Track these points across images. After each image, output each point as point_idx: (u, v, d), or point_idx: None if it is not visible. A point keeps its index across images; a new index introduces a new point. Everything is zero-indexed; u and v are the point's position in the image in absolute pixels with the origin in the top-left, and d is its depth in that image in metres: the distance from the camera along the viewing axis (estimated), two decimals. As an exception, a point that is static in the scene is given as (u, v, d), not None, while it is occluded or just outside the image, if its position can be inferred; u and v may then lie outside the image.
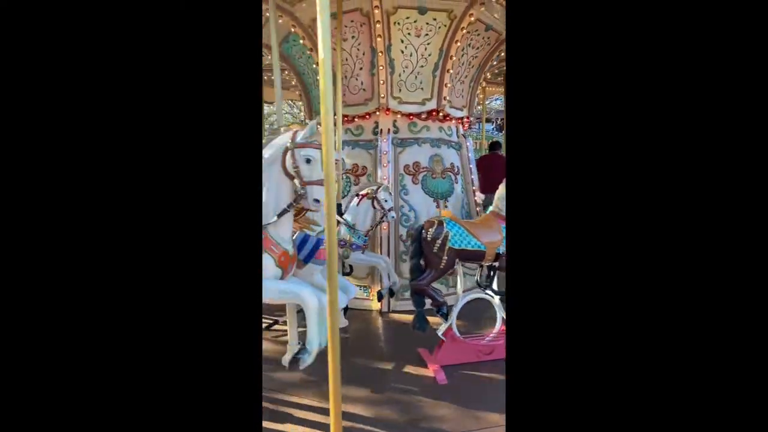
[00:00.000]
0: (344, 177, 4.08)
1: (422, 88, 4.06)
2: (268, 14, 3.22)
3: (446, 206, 4.06)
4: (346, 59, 3.97)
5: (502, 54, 4.67)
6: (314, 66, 4.12)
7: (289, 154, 1.87)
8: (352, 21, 3.74)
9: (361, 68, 4.00)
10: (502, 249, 2.67)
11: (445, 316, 2.68)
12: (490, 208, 2.87)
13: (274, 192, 1.91)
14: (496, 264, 2.74)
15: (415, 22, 3.79)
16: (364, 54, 3.93)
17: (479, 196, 4.55)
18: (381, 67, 3.86)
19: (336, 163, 2.03)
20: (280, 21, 3.84)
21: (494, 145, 6.02)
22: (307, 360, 1.85)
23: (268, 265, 1.87)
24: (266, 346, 2.90)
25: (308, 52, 4.09)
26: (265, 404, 2.09)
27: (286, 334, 2.51)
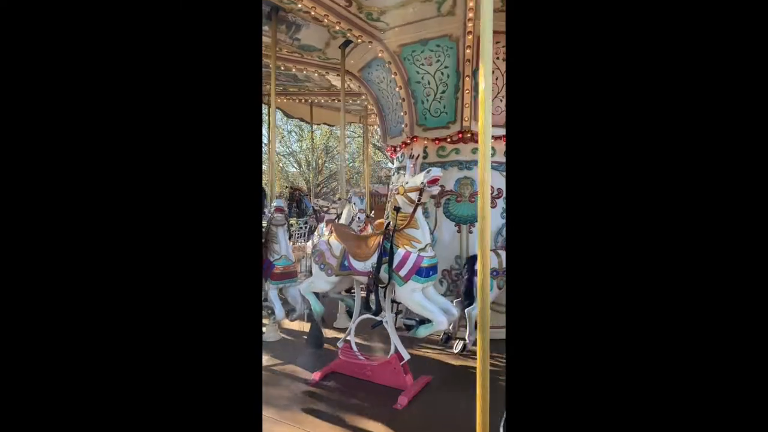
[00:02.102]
0: (476, 198, 3.95)
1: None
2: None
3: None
4: (497, 78, 3.92)
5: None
6: (396, 89, 4.30)
7: None
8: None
9: (510, 90, 3.99)
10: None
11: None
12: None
13: None
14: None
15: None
16: (518, 76, 3.93)
17: None
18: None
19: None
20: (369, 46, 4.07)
21: None
22: None
23: None
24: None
25: (392, 76, 4.19)
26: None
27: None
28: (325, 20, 3.58)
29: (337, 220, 4.21)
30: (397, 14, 3.58)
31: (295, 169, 17.33)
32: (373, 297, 2.74)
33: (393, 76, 4.22)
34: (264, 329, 3.69)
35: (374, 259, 2.69)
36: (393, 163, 5.40)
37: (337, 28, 3.71)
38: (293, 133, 17.02)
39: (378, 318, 2.74)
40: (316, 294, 3.11)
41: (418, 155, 4.41)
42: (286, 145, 17.29)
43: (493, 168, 4.00)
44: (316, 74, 5.10)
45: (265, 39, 4.33)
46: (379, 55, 4.12)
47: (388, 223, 2.77)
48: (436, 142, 4.28)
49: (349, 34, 3.85)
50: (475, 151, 4.22)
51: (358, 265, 2.77)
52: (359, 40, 3.94)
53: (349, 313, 3.12)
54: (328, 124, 8.76)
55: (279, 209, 3.39)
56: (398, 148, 4.79)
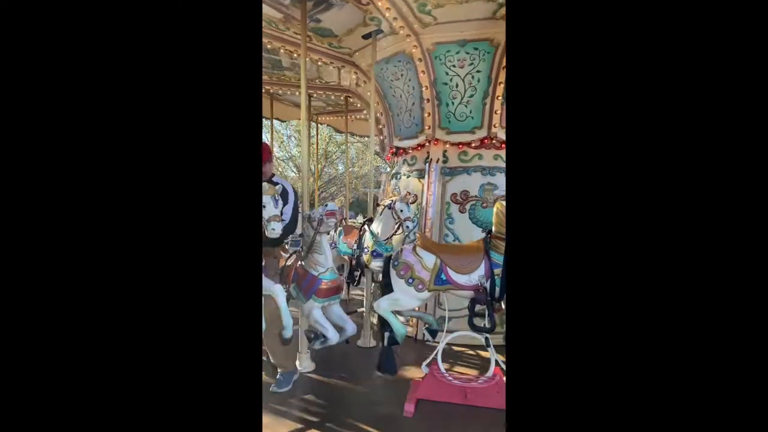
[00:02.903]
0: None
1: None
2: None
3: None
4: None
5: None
6: (421, 89, 4.17)
7: None
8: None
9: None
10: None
11: None
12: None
13: None
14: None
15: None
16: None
17: None
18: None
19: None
20: (408, 39, 3.87)
21: None
22: None
23: None
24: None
25: (419, 74, 4.12)
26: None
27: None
28: (379, 3, 3.20)
29: (365, 227, 3.80)
30: (450, 10, 3.42)
31: (294, 174, 17.30)
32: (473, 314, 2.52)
33: (420, 74, 4.01)
34: (297, 360, 3.09)
35: (481, 271, 2.47)
36: (391, 167, 5.15)
37: (387, 14, 3.36)
38: (293, 138, 17.23)
39: (487, 336, 2.51)
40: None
41: (438, 159, 4.27)
42: (285, 149, 17.26)
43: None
44: (319, 63, 4.56)
45: (274, 13, 3.70)
46: (413, 50, 3.88)
47: (489, 231, 2.58)
48: (459, 146, 4.20)
49: (394, 23, 3.52)
50: (497, 157, 4.26)
51: (460, 278, 2.50)
52: (401, 31, 3.64)
53: (431, 332, 2.82)
54: (279, 120, 7.98)
55: (331, 213, 2.75)
56: (409, 150, 4.57)
